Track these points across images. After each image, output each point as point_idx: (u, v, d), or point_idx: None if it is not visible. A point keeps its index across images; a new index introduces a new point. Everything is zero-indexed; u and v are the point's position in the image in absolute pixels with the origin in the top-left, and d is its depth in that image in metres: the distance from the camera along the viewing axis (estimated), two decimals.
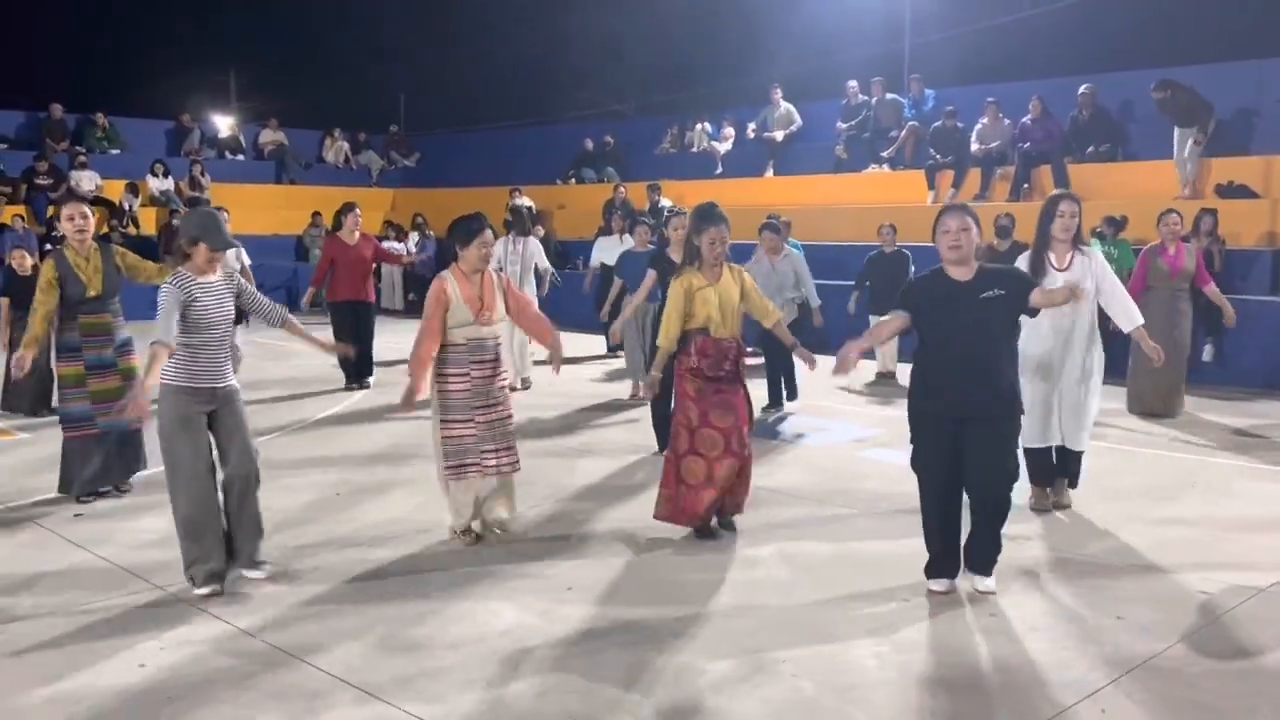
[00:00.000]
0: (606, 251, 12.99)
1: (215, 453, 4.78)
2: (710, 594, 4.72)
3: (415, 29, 34.67)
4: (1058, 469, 6.04)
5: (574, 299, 13.52)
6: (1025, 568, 5.02)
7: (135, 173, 18.83)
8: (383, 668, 3.96)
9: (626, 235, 12.71)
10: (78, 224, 6.07)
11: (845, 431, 8.30)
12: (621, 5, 30.15)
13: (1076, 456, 5.99)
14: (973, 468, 4.54)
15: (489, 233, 5.29)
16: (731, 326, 5.48)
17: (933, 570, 4.73)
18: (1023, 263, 5.87)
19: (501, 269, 9.73)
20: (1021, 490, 5.69)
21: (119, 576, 4.93)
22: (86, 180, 18.15)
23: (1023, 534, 5.48)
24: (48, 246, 15.22)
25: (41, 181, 17.71)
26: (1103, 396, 6.15)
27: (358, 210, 10.50)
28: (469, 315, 5.22)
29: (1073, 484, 6.08)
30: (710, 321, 5.42)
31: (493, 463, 5.28)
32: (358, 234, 10.36)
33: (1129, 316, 5.85)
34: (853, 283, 11.24)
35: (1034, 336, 5.76)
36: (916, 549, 4.88)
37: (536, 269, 10.55)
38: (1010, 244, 10.07)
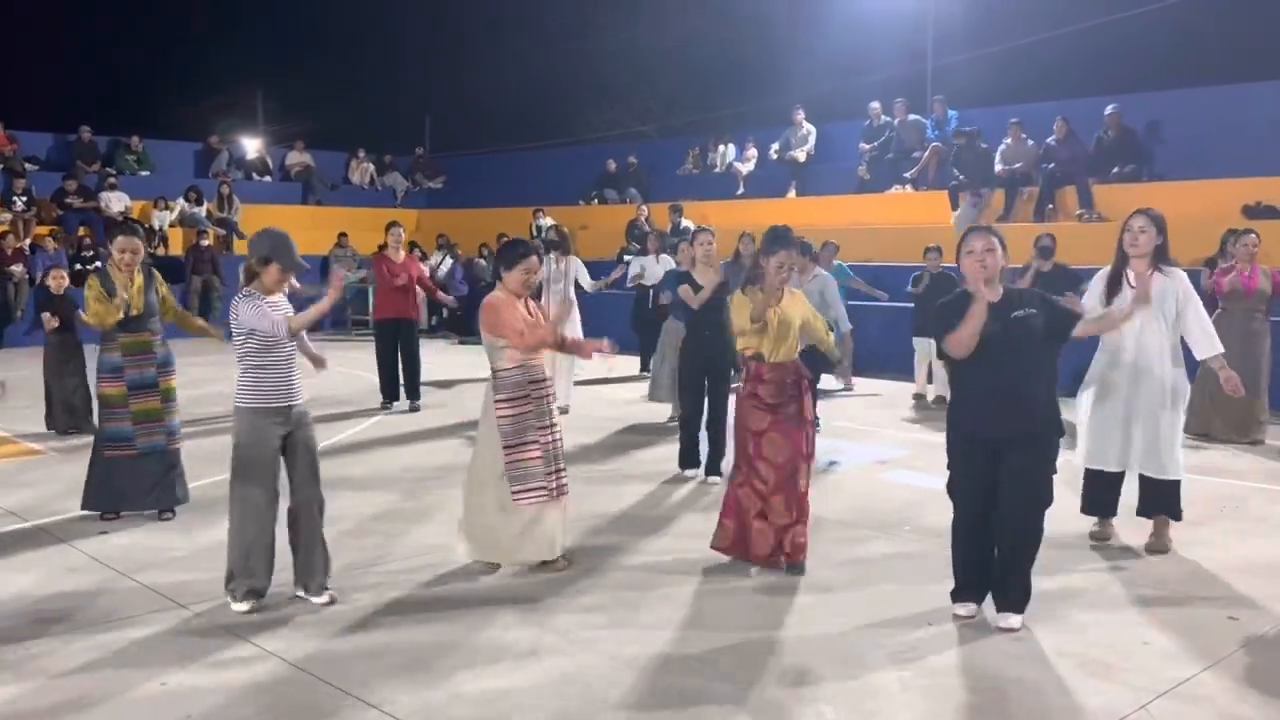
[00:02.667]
0: (644, 269, 13.09)
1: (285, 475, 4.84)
2: (733, 619, 4.70)
3: (441, 52, 35.06)
4: (1149, 504, 5.68)
5: (608, 322, 13.50)
6: (1051, 591, 4.96)
7: (164, 194, 19.04)
8: (406, 693, 3.96)
9: (664, 255, 12.83)
10: (126, 259, 6.28)
11: (869, 453, 8.26)
12: (645, 28, 30.39)
13: (1170, 486, 5.56)
14: (1006, 492, 4.46)
15: (534, 259, 5.27)
16: (788, 351, 5.37)
17: (958, 595, 4.66)
18: (1100, 281, 5.73)
19: (540, 292, 9.78)
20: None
21: (146, 596, 4.95)
22: (116, 201, 18.39)
23: (1047, 556, 5.42)
24: (76, 266, 15.46)
25: (70, 201, 17.95)
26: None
27: (398, 229, 10.61)
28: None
29: (1174, 515, 5.64)
30: (764, 348, 5.35)
31: (554, 485, 5.22)
32: (402, 252, 10.47)
33: (1209, 343, 5.53)
34: (880, 303, 11.39)
35: (1110, 355, 5.62)
36: (941, 573, 4.84)
37: (579, 288, 10.46)
38: (1052, 265, 9.98)
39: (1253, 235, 8.78)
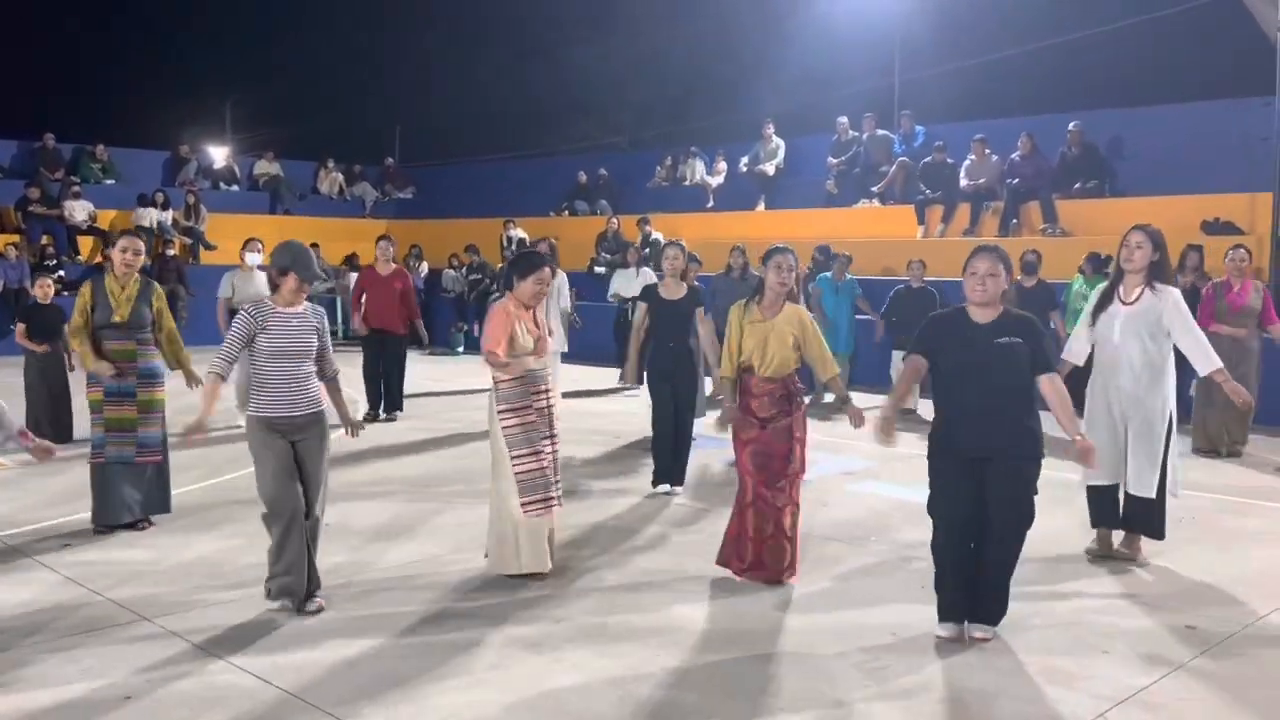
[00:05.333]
0: (623, 284, 13.12)
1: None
2: (705, 634, 4.72)
3: (411, 63, 34.96)
4: (1129, 518, 5.75)
5: (588, 332, 13.56)
6: (1016, 600, 5.02)
7: (129, 203, 18.83)
8: (377, 709, 3.95)
9: (644, 269, 12.88)
10: (128, 258, 6.23)
11: (836, 464, 8.32)
12: (617, 41, 30.47)
13: (1145, 504, 5.64)
14: (991, 513, 4.48)
15: (547, 270, 5.35)
16: (778, 367, 5.30)
17: (943, 615, 4.63)
18: (1095, 293, 5.86)
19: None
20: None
21: (114, 611, 4.91)
22: (80, 210, 18.17)
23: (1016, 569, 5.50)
24: (38, 274, 15.23)
25: (34, 210, 17.72)
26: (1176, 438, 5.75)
27: (385, 242, 10.67)
28: (530, 344, 5.26)
29: (1153, 534, 5.69)
30: (754, 360, 5.33)
31: (556, 494, 5.32)
32: (392, 265, 10.55)
33: (1205, 359, 5.60)
34: (865, 315, 11.61)
35: (1100, 374, 5.73)
36: (908, 585, 4.90)
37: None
38: (1037, 281, 10.09)
39: (1241, 250, 8.87)
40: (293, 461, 4.79)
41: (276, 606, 4.77)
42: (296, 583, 4.76)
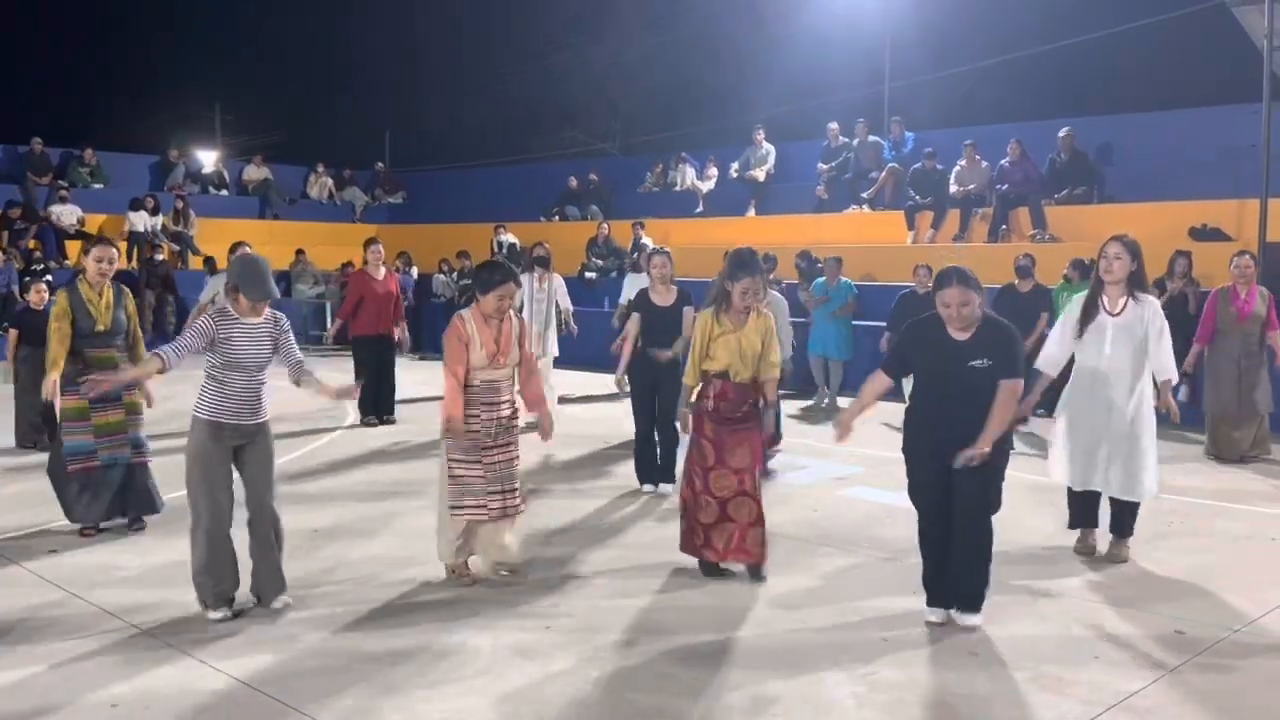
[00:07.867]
0: (635, 289, 13.10)
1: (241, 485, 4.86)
2: (689, 632, 4.71)
3: (402, 67, 34.97)
4: (1113, 521, 5.85)
5: (585, 337, 13.54)
6: (1005, 605, 5.03)
7: (118, 207, 18.76)
8: (359, 707, 3.93)
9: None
10: (103, 267, 6.24)
11: (826, 469, 8.32)
12: (608, 47, 30.53)
13: (1128, 507, 5.79)
14: (958, 497, 4.65)
15: (511, 285, 5.29)
16: (751, 370, 5.44)
17: (930, 600, 4.81)
18: (1076, 305, 5.86)
19: (522, 308, 9.63)
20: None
21: (95, 615, 4.87)
22: (68, 214, 18.09)
23: (1005, 570, 5.49)
24: (26, 279, 15.18)
25: (21, 227, 17.56)
26: (1171, 442, 5.79)
27: (379, 245, 10.59)
28: (483, 358, 5.24)
29: (1124, 534, 5.85)
30: (730, 367, 5.42)
31: (497, 505, 5.26)
32: (383, 269, 10.45)
33: (1164, 370, 5.73)
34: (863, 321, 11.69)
35: (1082, 379, 5.79)
36: (896, 586, 4.90)
37: (558, 307, 10.46)
38: (1033, 285, 10.09)
39: (1246, 257, 8.85)
40: (228, 473, 4.79)
41: (218, 616, 4.72)
42: (230, 589, 4.79)
